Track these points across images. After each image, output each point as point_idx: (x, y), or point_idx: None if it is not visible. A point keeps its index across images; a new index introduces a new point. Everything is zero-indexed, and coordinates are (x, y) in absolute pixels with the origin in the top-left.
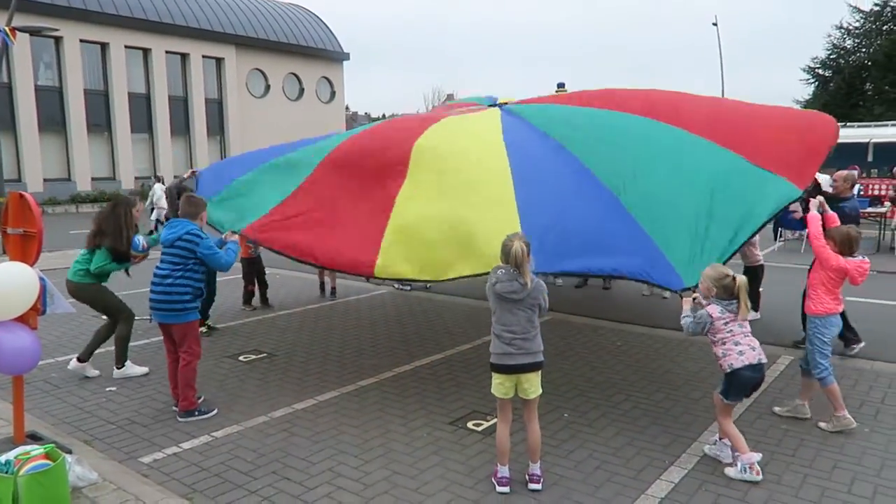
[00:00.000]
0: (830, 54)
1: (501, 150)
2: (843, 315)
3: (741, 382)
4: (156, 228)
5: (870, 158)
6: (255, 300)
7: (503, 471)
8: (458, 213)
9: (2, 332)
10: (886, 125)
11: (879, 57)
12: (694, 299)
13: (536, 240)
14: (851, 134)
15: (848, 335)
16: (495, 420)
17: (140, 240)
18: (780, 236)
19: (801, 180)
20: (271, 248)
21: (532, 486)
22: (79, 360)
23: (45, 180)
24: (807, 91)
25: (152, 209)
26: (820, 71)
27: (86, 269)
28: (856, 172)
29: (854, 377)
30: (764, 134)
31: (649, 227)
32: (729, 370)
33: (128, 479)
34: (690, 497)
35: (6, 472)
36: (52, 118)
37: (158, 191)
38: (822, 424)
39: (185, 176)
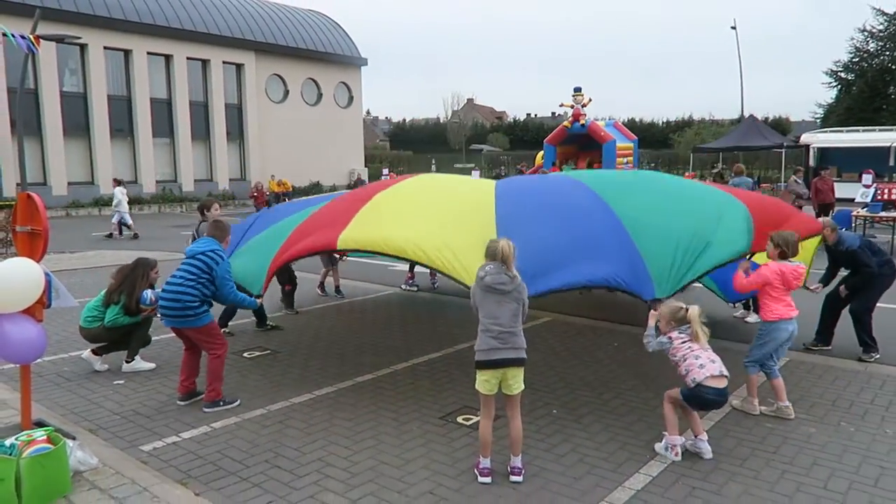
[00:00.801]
0: (853, 57)
1: (491, 190)
2: (865, 322)
3: (703, 399)
4: (119, 231)
5: (892, 162)
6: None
7: (485, 462)
8: (434, 221)
9: (9, 324)
10: None
11: None
12: (657, 320)
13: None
14: (873, 138)
15: (868, 342)
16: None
17: (148, 294)
18: None
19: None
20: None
21: (513, 478)
22: (94, 352)
23: (69, 184)
24: (829, 95)
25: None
26: (842, 74)
27: (98, 318)
28: (867, 176)
29: (847, 379)
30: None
31: (636, 235)
32: (693, 385)
33: (127, 464)
34: (666, 489)
35: (10, 455)
36: (77, 123)
37: (118, 195)
38: (734, 402)
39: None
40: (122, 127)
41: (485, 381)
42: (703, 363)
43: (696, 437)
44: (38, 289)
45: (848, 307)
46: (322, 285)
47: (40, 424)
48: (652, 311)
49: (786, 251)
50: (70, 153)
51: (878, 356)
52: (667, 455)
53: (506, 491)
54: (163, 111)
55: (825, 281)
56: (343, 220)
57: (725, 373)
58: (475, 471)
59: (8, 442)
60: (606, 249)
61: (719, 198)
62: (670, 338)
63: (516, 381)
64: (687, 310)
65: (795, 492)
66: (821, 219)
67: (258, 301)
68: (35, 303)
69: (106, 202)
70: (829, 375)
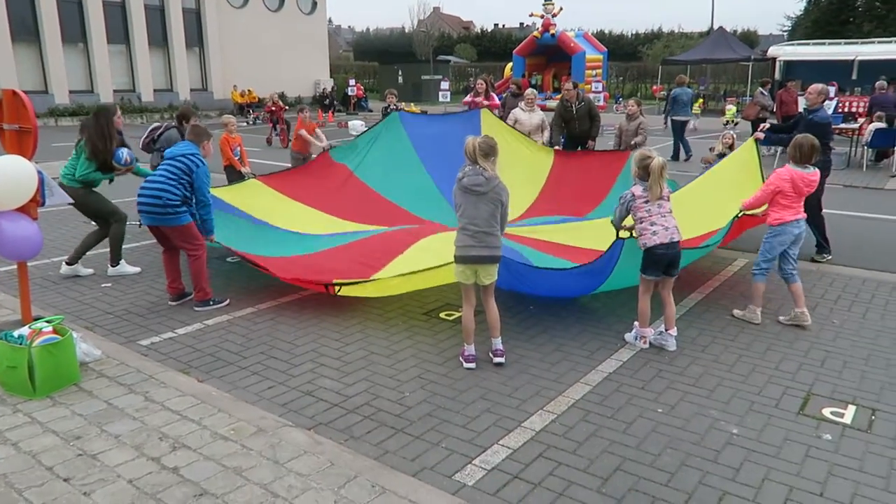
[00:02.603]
0: None
1: None
2: (820, 225)
3: (654, 259)
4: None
5: (854, 76)
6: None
7: (469, 349)
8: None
9: (5, 222)
10: (873, 42)
11: None
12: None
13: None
14: (838, 51)
15: (822, 243)
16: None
17: (124, 153)
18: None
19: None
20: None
21: (496, 359)
22: (68, 263)
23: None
24: (798, 7)
25: None
26: None
27: (72, 175)
28: (831, 88)
29: (813, 280)
30: None
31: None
32: (643, 248)
33: (129, 356)
34: (635, 372)
35: (20, 344)
36: (25, 27)
37: None
38: (736, 312)
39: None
40: (74, 32)
41: (461, 273)
42: (657, 230)
43: (666, 330)
44: (31, 186)
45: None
46: None
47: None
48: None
49: (796, 156)
50: (20, 60)
51: (829, 257)
52: (636, 344)
53: (489, 374)
54: (117, 15)
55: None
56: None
57: (676, 239)
58: (460, 358)
59: (16, 333)
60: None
61: None
62: (633, 194)
63: (488, 275)
64: (652, 159)
65: (751, 372)
66: (818, 85)
67: (211, 238)
68: (29, 201)
69: (62, 112)
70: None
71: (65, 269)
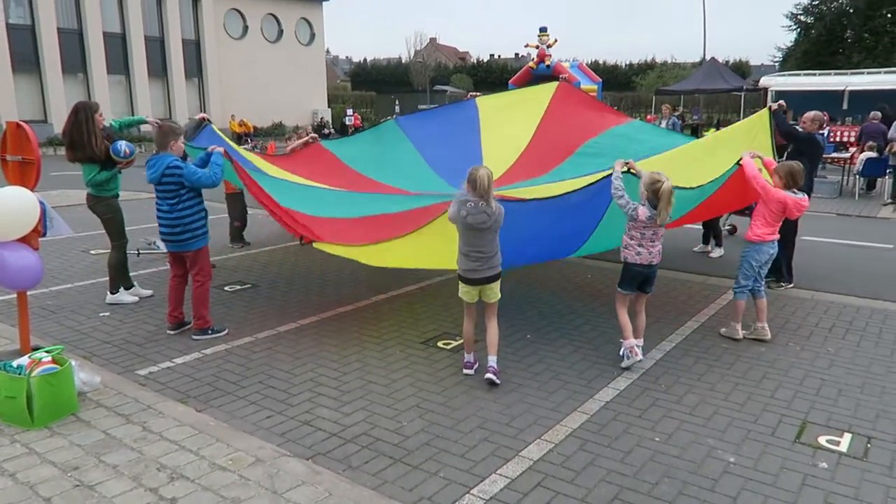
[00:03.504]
0: (813, 1)
1: None
2: (787, 254)
3: (631, 275)
4: None
5: (845, 106)
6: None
7: (468, 357)
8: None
9: (6, 252)
10: (862, 73)
11: (860, 4)
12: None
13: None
14: (828, 82)
15: (783, 272)
16: (463, 340)
17: (122, 144)
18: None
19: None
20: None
21: (487, 375)
22: (111, 293)
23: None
24: (789, 38)
25: None
26: (802, 17)
27: (88, 185)
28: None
29: (808, 308)
30: None
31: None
32: (623, 262)
33: (127, 386)
34: (632, 400)
35: (19, 374)
36: (25, 58)
37: None
38: (723, 330)
39: (198, 117)
40: (75, 62)
41: (466, 292)
42: (641, 252)
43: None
44: (33, 217)
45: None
46: None
47: (36, 349)
48: (619, 162)
49: (789, 182)
50: (20, 89)
51: (790, 286)
52: (630, 358)
53: (487, 403)
54: (117, 46)
55: None
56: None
57: (655, 263)
58: (464, 369)
59: (16, 363)
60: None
61: None
62: (637, 212)
63: (493, 292)
64: (662, 183)
65: (747, 400)
66: (811, 112)
67: (219, 149)
68: (31, 231)
69: (61, 142)
70: (777, 303)
71: (109, 298)
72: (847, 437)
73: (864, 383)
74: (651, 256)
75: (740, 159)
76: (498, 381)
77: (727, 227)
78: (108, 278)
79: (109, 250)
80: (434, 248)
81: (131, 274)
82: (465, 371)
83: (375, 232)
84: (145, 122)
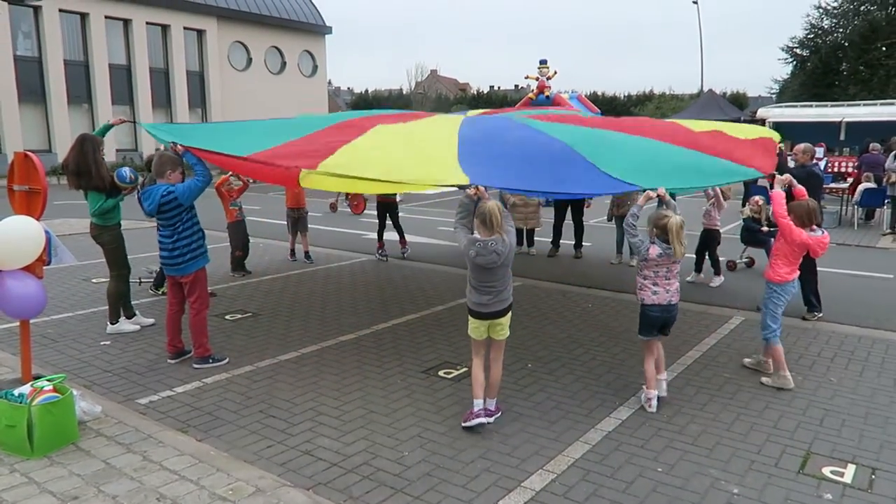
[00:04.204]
0: (808, 34)
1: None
2: (812, 284)
3: (649, 321)
4: None
5: (842, 137)
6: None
7: (478, 404)
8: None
9: (11, 280)
10: (859, 105)
11: (855, 37)
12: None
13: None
14: (825, 113)
15: (813, 301)
16: (465, 368)
17: (126, 171)
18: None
19: (765, 168)
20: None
21: (481, 419)
22: (112, 323)
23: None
24: (785, 71)
25: None
26: (798, 51)
27: (93, 212)
28: (819, 149)
29: (797, 335)
30: (733, 145)
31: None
32: (640, 303)
33: (127, 415)
34: (634, 430)
35: (20, 403)
36: (32, 89)
37: None
38: (764, 380)
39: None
40: (80, 93)
41: (475, 329)
42: (658, 291)
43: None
44: (38, 246)
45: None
46: (293, 252)
47: (37, 378)
48: (646, 193)
49: (807, 222)
50: (25, 119)
51: (820, 315)
52: (647, 407)
53: (488, 433)
54: (122, 78)
55: None
56: (329, 149)
57: (674, 302)
58: (472, 417)
59: (17, 391)
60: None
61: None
62: (650, 252)
63: (503, 328)
64: (669, 218)
65: (750, 430)
66: (801, 145)
67: (179, 148)
68: (35, 260)
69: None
70: (788, 335)
71: (110, 328)
72: (851, 468)
73: (868, 414)
74: (669, 295)
75: (768, 177)
76: (490, 422)
77: (745, 260)
78: (107, 307)
79: (109, 279)
80: (394, 156)
81: (133, 302)
82: (478, 421)
83: (327, 145)
84: (111, 127)
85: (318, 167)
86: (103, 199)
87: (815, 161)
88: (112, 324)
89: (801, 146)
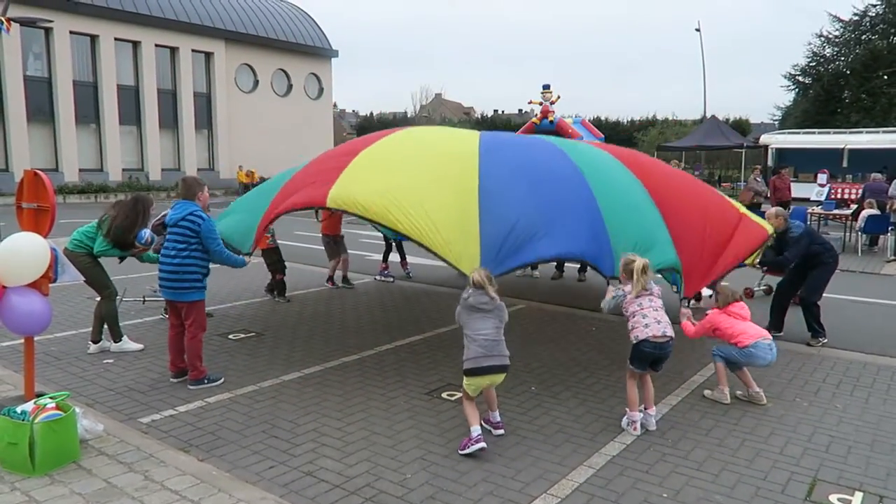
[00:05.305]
0: (810, 62)
1: (475, 147)
2: (814, 309)
3: (642, 355)
4: None
5: (845, 164)
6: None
7: (475, 430)
8: (415, 184)
9: (16, 297)
10: (861, 132)
11: (857, 66)
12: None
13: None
14: (828, 140)
15: (816, 328)
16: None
17: (146, 233)
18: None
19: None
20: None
21: (497, 432)
22: (93, 342)
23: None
24: (787, 98)
25: None
26: (800, 78)
27: (86, 244)
28: (822, 176)
29: (802, 360)
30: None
31: (606, 212)
32: (634, 341)
33: (129, 434)
34: (639, 455)
35: (23, 420)
36: (41, 109)
37: None
38: (706, 392)
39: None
40: (88, 113)
41: (468, 385)
42: (649, 323)
43: (645, 409)
44: (44, 263)
45: (799, 295)
46: (331, 278)
47: (39, 396)
48: (610, 285)
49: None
50: (34, 139)
51: (825, 341)
52: (628, 430)
53: (492, 456)
54: (130, 98)
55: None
56: (331, 176)
57: (669, 333)
58: (470, 444)
59: (20, 409)
60: (577, 220)
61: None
62: (624, 292)
63: (497, 383)
64: (635, 261)
65: (755, 456)
66: (772, 209)
67: (247, 260)
68: (41, 277)
69: (71, 190)
70: (784, 358)
71: (93, 348)
72: (858, 495)
73: (874, 441)
74: (661, 326)
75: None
76: (503, 433)
77: (762, 288)
78: (107, 327)
79: (97, 303)
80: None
81: (132, 322)
82: (477, 446)
83: (325, 176)
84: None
85: (328, 200)
86: (111, 247)
87: (790, 227)
88: (116, 343)
89: (772, 210)
